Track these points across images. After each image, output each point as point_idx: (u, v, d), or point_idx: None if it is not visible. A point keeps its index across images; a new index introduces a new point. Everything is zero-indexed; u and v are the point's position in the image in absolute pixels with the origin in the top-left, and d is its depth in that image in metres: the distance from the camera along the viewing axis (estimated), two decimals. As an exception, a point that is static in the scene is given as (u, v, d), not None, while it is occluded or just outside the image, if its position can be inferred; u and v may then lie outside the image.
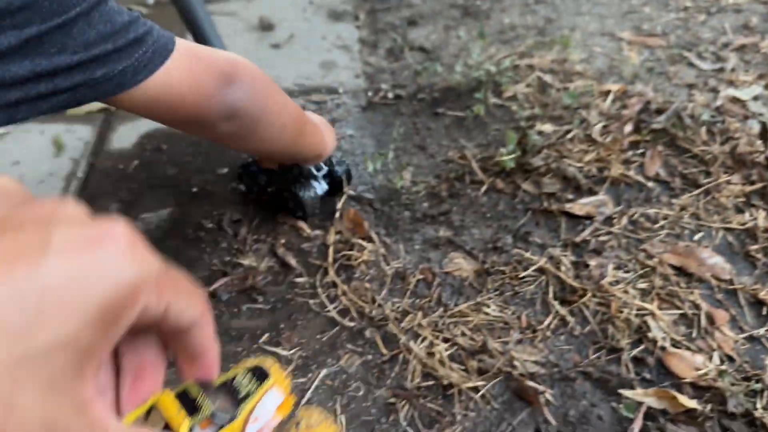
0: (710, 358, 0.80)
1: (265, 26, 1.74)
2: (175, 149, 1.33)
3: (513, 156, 1.09)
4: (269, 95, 0.83)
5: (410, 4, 1.75)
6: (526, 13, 1.61)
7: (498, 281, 0.95)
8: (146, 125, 1.40)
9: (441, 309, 0.93)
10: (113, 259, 0.23)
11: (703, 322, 0.84)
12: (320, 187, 1.08)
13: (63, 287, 0.22)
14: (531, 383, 0.81)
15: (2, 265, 0.21)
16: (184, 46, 0.71)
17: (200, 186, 1.23)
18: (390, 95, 1.43)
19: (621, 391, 0.79)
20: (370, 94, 1.45)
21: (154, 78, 0.65)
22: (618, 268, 0.93)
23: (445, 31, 1.60)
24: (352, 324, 0.95)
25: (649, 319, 0.85)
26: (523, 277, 0.94)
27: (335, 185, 1.11)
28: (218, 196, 1.20)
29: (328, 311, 0.97)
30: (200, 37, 1.38)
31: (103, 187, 1.24)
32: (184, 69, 0.69)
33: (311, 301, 0.99)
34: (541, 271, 0.94)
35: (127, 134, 1.38)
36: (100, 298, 0.22)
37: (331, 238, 1.08)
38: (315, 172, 1.07)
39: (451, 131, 1.28)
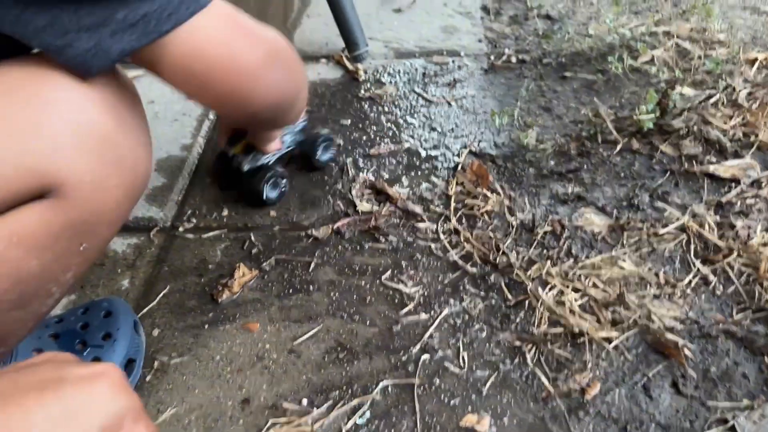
0: None
1: (388, -9, 1.75)
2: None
3: (652, 116, 1.05)
4: (304, 81, 0.80)
5: (536, -25, 1.71)
6: (660, -16, 1.54)
7: (634, 237, 0.91)
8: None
9: (571, 260, 0.91)
10: (109, 391, 0.36)
11: None
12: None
13: (76, 411, 0.34)
14: (671, 336, 0.78)
15: (32, 392, 0.34)
16: (226, 9, 0.61)
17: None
18: (513, 59, 1.41)
19: (771, 350, 0.74)
20: (492, 57, 1.43)
21: (181, 33, 0.57)
22: (767, 230, 0.88)
23: (572, 1, 1.56)
24: (474, 269, 0.94)
25: (806, 283, 0.79)
26: (662, 234, 0.91)
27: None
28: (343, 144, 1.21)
29: (450, 256, 0.96)
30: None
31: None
32: (223, 30, 0.61)
33: (433, 245, 0.99)
34: (683, 229, 0.90)
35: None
36: (101, 420, 0.35)
37: (453, 188, 1.07)
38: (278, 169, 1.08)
39: (580, 94, 1.25)
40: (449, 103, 1.31)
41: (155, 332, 0.90)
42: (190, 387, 0.83)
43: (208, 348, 0.88)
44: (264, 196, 1.06)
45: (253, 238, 1.03)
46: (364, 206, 1.06)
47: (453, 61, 1.44)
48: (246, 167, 1.05)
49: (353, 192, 1.10)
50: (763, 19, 1.32)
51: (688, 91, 1.10)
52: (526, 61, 1.40)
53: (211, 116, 1.32)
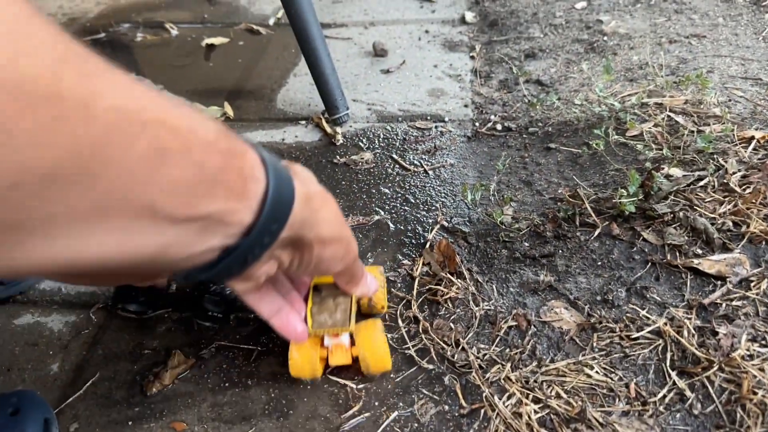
0: None
1: (379, 52, 1.70)
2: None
3: (634, 199, 0.96)
4: None
5: (530, 37, 1.66)
6: (657, 51, 1.47)
7: (605, 339, 0.82)
8: (247, 138, 1.38)
9: (534, 363, 0.81)
10: None
11: None
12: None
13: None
14: (636, 466, 0.68)
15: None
16: None
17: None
18: (498, 127, 1.34)
19: (752, 493, 0.64)
20: (477, 124, 1.36)
21: None
22: (753, 340, 0.77)
23: (565, 66, 1.50)
24: (430, 366, 0.85)
25: (794, 408, 0.69)
26: (637, 338, 0.81)
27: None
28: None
29: (407, 349, 0.87)
30: (311, 57, 1.36)
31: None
32: None
33: (389, 335, 0.90)
34: (659, 333, 0.80)
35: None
36: None
37: (419, 269, 0.99)
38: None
39: (563, 168, 1.17)
40: (426, 173, 1.24)
41: (73, 427, 0.82)
42: (100, 497, 0.75)
43: (127, 450, 0.80)
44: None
45: (198, 320, 0.96)
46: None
47: (436, 127, 1.38)
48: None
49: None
50: (765, 92, 1.24)
51: (676, 171, 1.01)
52: (512, 129, 1.32)
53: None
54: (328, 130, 1.40)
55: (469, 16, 1.85)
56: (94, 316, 0.98)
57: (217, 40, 1.83)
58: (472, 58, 1.63)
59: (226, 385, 0.86)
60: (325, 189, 0.56)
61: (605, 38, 1.56)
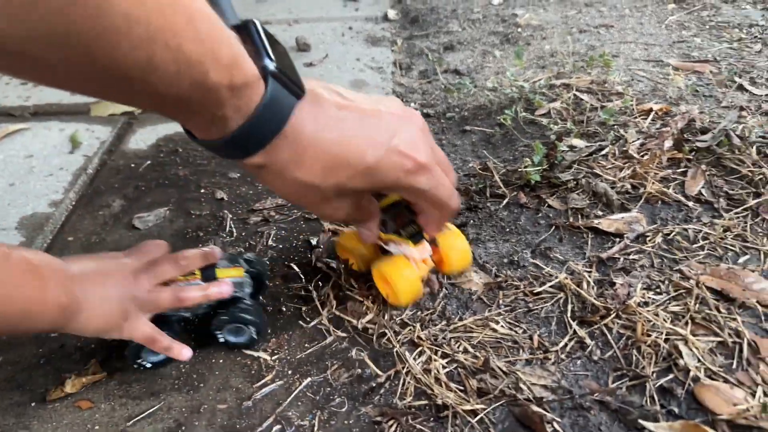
0: (753, 394, 0.67)
1: (302, 47, 1.72)
2: (192, 152, 1.29)
3: (539, 169, 1.00)
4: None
5: (449, 31, 1.70)
6: (567, 41, 1.53)
7: (510, 296, 0.84)
8: (166, 129, 1.37)
9: (443, 322, 0.83)
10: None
11: (746, 352, 0.71)
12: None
13: None
14: (537, 409, 0.69)
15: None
16: None
17: (208, 187, 1.17)
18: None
19: (643, 423, 0.67)
20: (397, 112, 1.38)
21: None
22: (648, 288, 0.81)
23: (482, 56, 1.54)
24: (344, 334, 0.85)
25: (681, 346, 0.72)
26: (539, 293, 0.84)
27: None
28: (226, 200, 1.14)
29: (320, 320, 0.87)
30: None
31: (110, 183, 1.20)
32: None
33: (303, 308, 0.90)
34: (561, 287, 0.83)
35: (145, 136, 1.35)
36: None
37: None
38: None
39: (477, 148, 1.20)
40: (347, 158, 1.25)
41: (-27, 412, 0.79)
42: (-3, 477, 0.72)
43: (30, 430, 0.77)
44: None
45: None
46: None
47: (357, 115, 1.39)
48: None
49: (225, 248, 1.01)
50: (666, 71, 1.31)
51: (578, 143, 1.05)
52: (431, 115, 1.35)
53: (90, 170, 1.24)
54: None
55: (392, 14, 1.88)
56: None
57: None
58: (394, 51, 1.66)
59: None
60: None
61: (519, 30, 1.61)
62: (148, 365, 0.83)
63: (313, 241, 1.03)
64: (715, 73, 1.27)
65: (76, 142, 1.31)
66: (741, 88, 1.21)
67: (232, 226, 1.07)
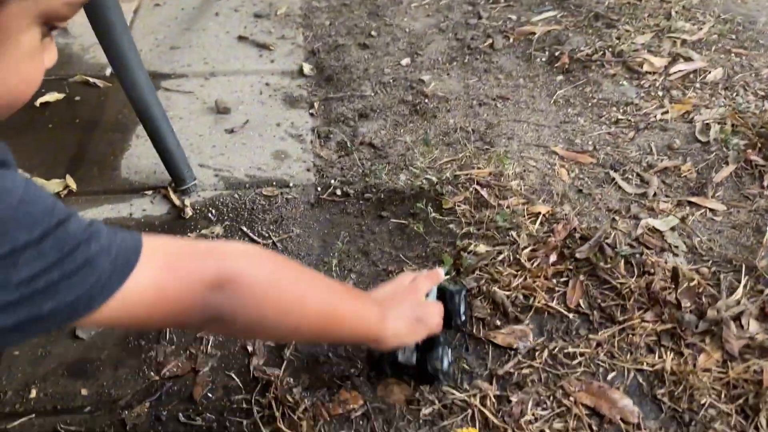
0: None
1: (221, 110, 1.78)
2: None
3: (448, 277, 1.16)
4: (270, 299, 0.73)
5: (362, 95, 1.82)
6: (469, 115, 1.69)
7: (428, 409, 1.00)
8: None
9: (371, 438, 0.98)
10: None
11: (610, 467, 0.91)
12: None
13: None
14: None
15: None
16: (157, 253, 0.62)
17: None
18: (338, 192, 1.49)
19: None
20: (319, 189, 1.50)
21: (111, 302, 0.57)
22: (537, 404, 1.00)
23: (393, 128, 1.67)
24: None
25: (561, 463, 0.91)
26: (450, 407, 1.00)
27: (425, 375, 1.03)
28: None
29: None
30: (153, 133, 1.42)
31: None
32: (149, 286, 0.60)
33: (245, 422, 1.03)
34: (468, 404, 1.00)
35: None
36: None
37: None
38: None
39: (394, 237, 1.34)
40: (275, 244, 1.36)
41: None
42: None
43: None
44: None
45: (62, 425, 1.02)
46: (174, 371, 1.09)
47: (281, 193, 1.50)
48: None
49: (167, 358, 1.11)
50: (552, 161, 1.49)
51: (481, 248, 1.22)
52: (350, 194, 1.48)
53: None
54: (176, 201, 1.47)
55: (307, 68, 1.97)
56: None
57: (51, 97, 1.81)
58: (312, 115, 1.76)
59: None
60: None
61: (426, 101, 1.76)
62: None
63: (249, 348, 1.14)
64: (593, 164, 1.48)
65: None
66: (615, 184, 1.41)
67: (172, 332, 1.17)
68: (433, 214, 1.34)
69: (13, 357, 1.12)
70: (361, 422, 1.01)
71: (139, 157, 1.63)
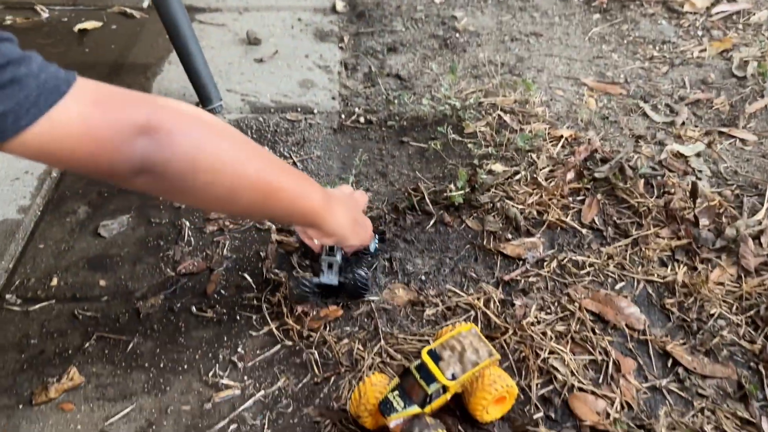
0: (612, 404, 0.86)
1: (252, 41, 1.79)
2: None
3: (462, 192, 1.15)
4: (204, 152, 0.70)
5: (393, 30, 1.81)
6: (500, 50, 1.67)
7: (432, 310, 1.01)
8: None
9: (379, 336, 0.99)
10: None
11: (611, 368, 0.90)
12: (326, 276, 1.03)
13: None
14: (444, 413, 0.87)
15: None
16: (89, 90, 0.63)
17: (166, 196, 1.28)
18: (362, 120, 1.49)
19: (529, 429, 0.85)
20: (343, 116, 1.51)
21: (38, 126, 0.58)
22: (541, 309, 0.99)
23: (422, 61, 1.66)
24: (290, 343, 1.00)
25: (560, 361, 0.91)
26: (454, 309, 1.00)
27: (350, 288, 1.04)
28: (183, 207, 1.25)
29: (271, 330, 1.02)
30: (182, 53, 1.44)
31: (74, 188, 1.30)
32: (77, 118, 0.61)
33: (254, 317, 1.05)
34: (471, 305, 1.00)
35: (104, 138, 1.44)
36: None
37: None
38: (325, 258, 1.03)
39: (413, 161, 1.34)
40: (295, 164, 1.37)
41: (-36, 415, 0.92)
42: (-5, 473, 0.86)
43: (19, 430, 0.90)
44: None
45: (79, 311, 1.06)
46: (189, 268, 1.12)
47: (305, 119, 1.51)
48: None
49: (184, 257, 1.14)
50: (581, 91, 1.46)
51: (498, 167, 1.21)
52: (373, 122, 1.48)
53: (54, 173, 1.33)
54: (203, 122, 1.50)
55: (340, 5, 1.96)
56: (-22, 311, 1.06)
57: (89, 25, 1.85)
58: (341, 48, 1.76)
59: (109, 368, 0.98)
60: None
61: (457, 35, 1.74)
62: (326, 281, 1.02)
63: (263, 254, 1.16)
64: (623, 95, 1.44)
65: (37, 144, 1.39)
66: (643, 114, 1.38)
67: (190, 235, 1.20)
68: (453, 135, 1.33)
69: (38, 249, 1.17)
70: (365, 320, 1.02)
71: (170, 81, 1.65)
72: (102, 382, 0.96)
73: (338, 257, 1.02)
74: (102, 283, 1.11)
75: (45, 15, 1.90)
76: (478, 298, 1.01)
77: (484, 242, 1.11)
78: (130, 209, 1.25)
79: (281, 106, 1.56)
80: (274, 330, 1.02)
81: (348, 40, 1.80)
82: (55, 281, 1.11)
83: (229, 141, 0.74)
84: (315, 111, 1.54)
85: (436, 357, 0.83)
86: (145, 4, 1.98)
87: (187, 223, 1.21)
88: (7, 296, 1.08)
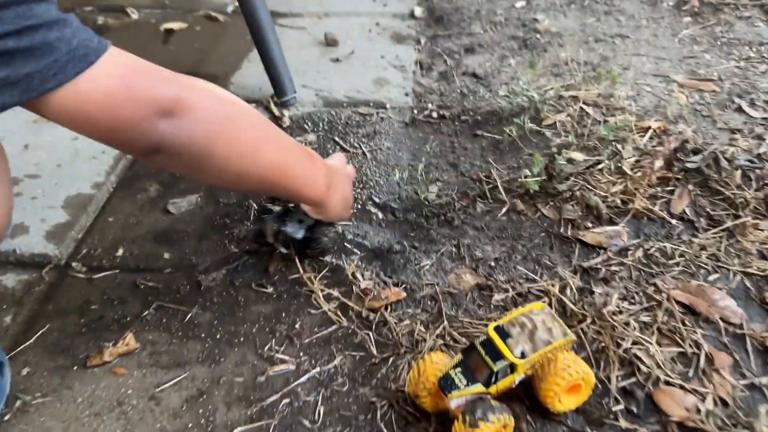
0: (703, 400, 0.76)
1: (330, 42, 1.80)
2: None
3: (538, 179, 1.08)
4: (221, 141, 0.72)
5: (471, 33, 1.77)
6: (583, 49, 1.60)
7: (501, 296, 0.94)
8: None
9: (443, 319, 0.93)
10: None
11: (702, 362, 0.80)
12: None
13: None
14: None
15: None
16: (119, 63, 0.63)
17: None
18: (434, 115, 1.45)
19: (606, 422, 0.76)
20: (415, 111, 1.47)
21: (63, 91, 0.59)
22: (623, 298, 0.90)
23: (499, 60, 1.61)
24: (350, 324, 0.95)
25: (645, 352, 0.81)
26: (525, 295, 0.93)
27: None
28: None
29: (328, 308, 0.98)
30: (261, 41, 1.46)
31: (148, 168, 1.31)
32: (102, 90, 0.61)
33: (314, 295, 1.01)
34: (546, 292, 0.93)
35: (180, 125, 1.46)
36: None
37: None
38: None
39: (486, 152, 1.29)
40: (365, 154, 1.34)
41: (24, 371, 0.91)
42: (46, 429, 0.84)
43: (72, 390, 0.89)
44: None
45: (142, 281, 1.05)
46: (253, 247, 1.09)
47: (377, 113, 1.48)
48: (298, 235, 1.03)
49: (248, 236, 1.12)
50: (671, 88, 1.37)
51: (578, 156, 1.13)
52: (446, 117, 1.44)
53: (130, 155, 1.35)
54: (276, 112, 1.50)
55: (418, 11, 1.95)
56: (46, 275, 1.07)
57: (175, 25, 1.91)
58: (417, 50, 1.74)
59: (166, 337, 0.96)
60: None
61: (538, 36, 1.68)
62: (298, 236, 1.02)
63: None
64: (717, 92, 1.34)
65: (117, 128, 1.42)
66: (739, 109, 1.27)
67: (256, 215, 1.18)
68: (530, 125, 1.26)
69: (107, 222, 1.18)
70: (429, 303, 0.96)
71: (248, 77, 1.67)
72: (157, 349, 0.94)
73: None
74: (166, 256, 1.10)
75: (135, 16, 1.97)
76: (553, 285, 0.93)
77: (561, 230, 1.03)
78: (200, 189, 1.25)
79: (354, 101, 1.54)
80: (332, 309, 0.97)
81: (425, 42, 1.77)
82: (120, 252, 1.11)
83: (248, 130, 0.76)
84: (387, 106, 1.51)
85: (504, 333, 0.76)
86: (230, 9, 2.03)
87: (254, 205, 1.20)
88: (74, 264, 1.09)
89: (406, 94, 1.55)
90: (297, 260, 1.05)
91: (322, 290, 1.01)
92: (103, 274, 1.07)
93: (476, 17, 1.86)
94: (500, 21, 1.81)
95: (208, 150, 0.71)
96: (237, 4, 1.44)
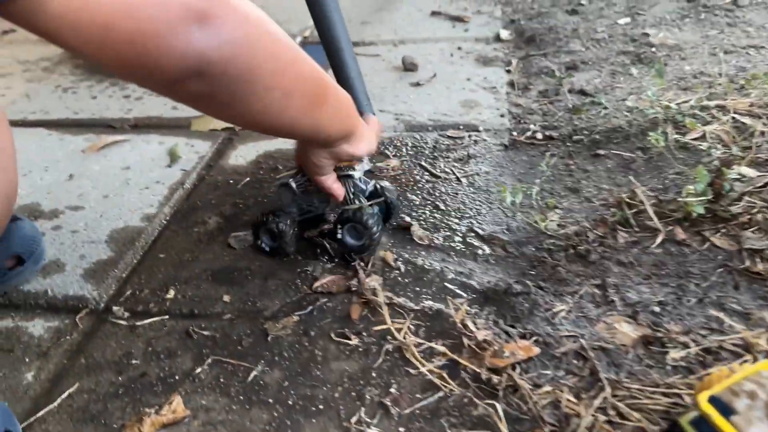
0: None
1: (408, 66, 1.61)
2: (292, 170, 1.19)
3: (703, 199, 0.82)
4: (265, 45, 0.57)
5: (570, 51, 1.56)
6: (712, 62, 1.35)
7: (679, 353, 0.67)
8: (267, 145, 1.28)
9: (599, 385, 0.67)
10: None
11: None
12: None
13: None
14: None
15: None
16: None
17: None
18: (539, 135, 1.22)
19: None
20: (515, 133, 1.25)
21: None
22: None
23: (610, 76, 1.38)
24: (464, 391, 0.71)
25: None
26: (717, 352, 0.66)
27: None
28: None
29: (433, 368, 0.73)
30: (336, 60, 1.27)
31: (207, 199, 1.12)
32: None
33: (414, 350, 0.77)
34: (746, 347, 0.66)
35: (246, 152, 1.27)
36: None
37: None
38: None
39: (615, 174, 1.04)
40: (459, 180, 1.12)
41: (41, 445, 0.70)
42: None
43: (100, 473, 0.67)
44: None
45: (195, 329, 0.83)
46: (330, 287, 0.87)
47: (469, 136, 1.26)
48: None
49: (324, 274, 0.90)
50: (840, 97, 1.10)
51: (749, 171, 0.88)
52: (554, 137, 1.20)
53: (187, 185, 1.16)
54: (353, 138, 1.29)
55: (504, 34, 1.75)
56: (80, 322, 0.87)
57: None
58: (508, 71, 1.53)
59: (224, 401, 0.73)
60: None
61: (653, 49, 1.45)
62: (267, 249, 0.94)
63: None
64: None
65: (174, 156, 1.25)
66: None
67: (333, 250, 0.96)
68: (675, 136, 1.01)
69: (158, 259, 0.98)
70: (574, 361, 0.70)
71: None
72: (212, 418, 0.71)
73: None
74: (226, 298, 0.89)
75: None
76: (757, 336, 0.66)
77: (747, 263, 0.76)
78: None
79: (440, 124, 1.33)
80: (437, 368, 0.73)
81: (516, 63, 1.56)
82: (171, 294, 0.91)
83: (284, 38, 0.62)
84: (481, 128, 1.29)
85: (724, 408, 0.50)
86: (298, 40, 1.88)
87: (324, 241, 0.98)
88: (114, 308, 0.88)
89: (502, 116, 1.33)
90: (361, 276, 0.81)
91: (420, 344, 0.77)
92: (148, 320, 0.86)
93: (574, 35, 1.64)
94: (603, 38, 1.59)
95: (252, 64, 0.56)
96: (306, 35, 1.27)
